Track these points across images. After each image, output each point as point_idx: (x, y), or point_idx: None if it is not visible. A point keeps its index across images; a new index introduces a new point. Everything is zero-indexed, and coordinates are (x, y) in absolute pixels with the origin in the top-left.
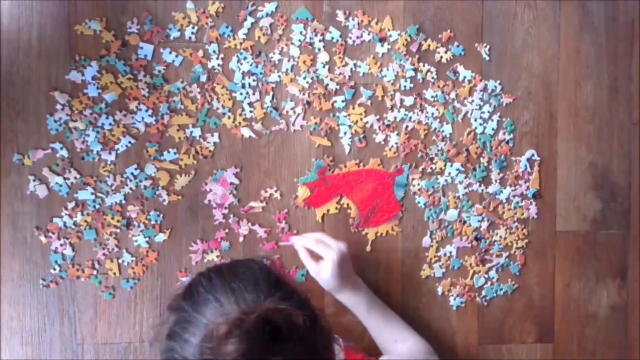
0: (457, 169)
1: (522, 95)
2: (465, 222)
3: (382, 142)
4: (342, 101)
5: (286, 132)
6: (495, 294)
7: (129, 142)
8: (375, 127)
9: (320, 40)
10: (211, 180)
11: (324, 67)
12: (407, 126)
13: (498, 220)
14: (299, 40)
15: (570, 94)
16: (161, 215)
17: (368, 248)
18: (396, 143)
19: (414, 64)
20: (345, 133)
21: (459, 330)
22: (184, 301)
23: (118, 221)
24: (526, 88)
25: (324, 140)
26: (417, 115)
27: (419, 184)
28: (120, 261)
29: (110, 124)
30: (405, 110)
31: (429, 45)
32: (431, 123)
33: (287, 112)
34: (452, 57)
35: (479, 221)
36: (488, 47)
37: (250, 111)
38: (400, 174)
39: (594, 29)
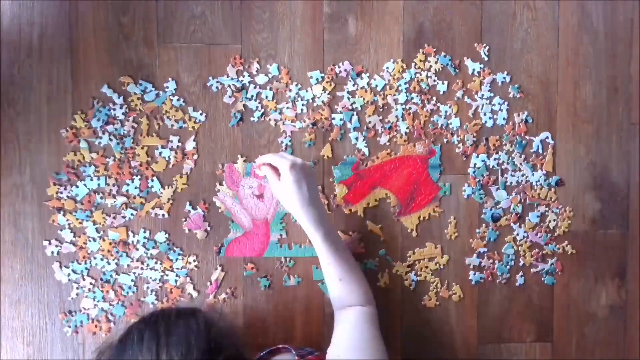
0: (482, 161)
1: (521, 96)
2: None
3: (387, 143)
4: (341, 119)
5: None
6: (509, 275)
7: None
8: (377, 127)
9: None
10: (243, 176)
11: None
12: (409, 107)
13: (543, 202)
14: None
15: (569, 94)
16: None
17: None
18: (406, 132)
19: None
20: (354, 129)
21: (459, 330)
22: (112, 349)
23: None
24: (525, 88)
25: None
26: (417, 97)
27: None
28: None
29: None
30: (405, 93)
31: (420, 80)
32: (436, 120)
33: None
34: (441, 68)
35: (537, 216)
36: (487, 47)
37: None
38: (432, 156)
39: (592, 29)
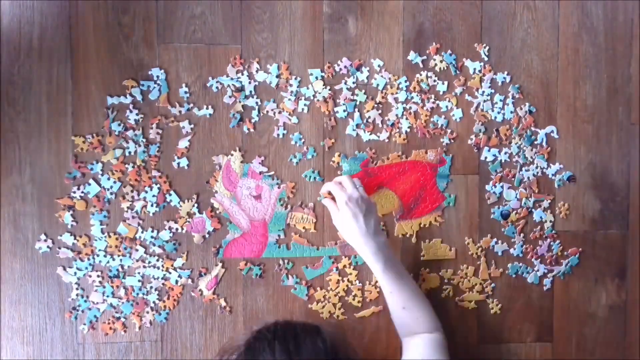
0: (493, 155)
1: (521, 96)
2: (531, 211)
3: (387, 140)
4: (344, 110)
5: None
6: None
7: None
8: (377, 122)
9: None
10: (240, 177)
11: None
12: (410, 107)
13: (547, 197)
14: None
15: (569, 94)
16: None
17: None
18: (407, 130)
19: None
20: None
21: (459, 330)
22: (240, 354)
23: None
24: (525, 88)
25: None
26: (417, 96)
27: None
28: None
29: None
30: (406, 92)
31: (420, 80)
32: (437, 121)
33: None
34: (446, 67)
35: (541, 217)
36: (487, 47)
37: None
38: (442, 165)
39: (592, 29)
